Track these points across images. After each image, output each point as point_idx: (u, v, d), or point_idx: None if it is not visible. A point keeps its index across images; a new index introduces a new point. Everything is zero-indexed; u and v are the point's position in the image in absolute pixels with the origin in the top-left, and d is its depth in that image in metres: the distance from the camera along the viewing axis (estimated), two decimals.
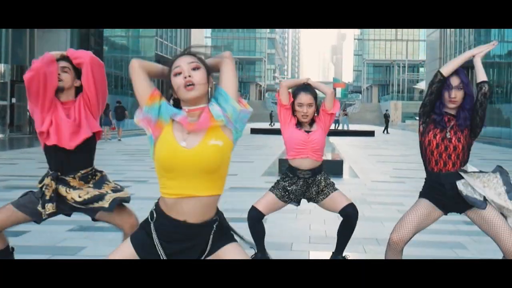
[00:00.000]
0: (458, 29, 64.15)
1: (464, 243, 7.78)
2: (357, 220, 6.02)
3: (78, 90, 5.05)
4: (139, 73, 3.43)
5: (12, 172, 15.57)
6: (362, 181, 14.55)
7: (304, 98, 5.99)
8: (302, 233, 8.18)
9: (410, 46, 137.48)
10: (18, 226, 6.81)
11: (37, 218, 4.96)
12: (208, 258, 3.57)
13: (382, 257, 5.54)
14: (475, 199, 4.85)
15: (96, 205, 4.84)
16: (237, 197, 10.88)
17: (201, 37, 78.80)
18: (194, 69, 3.41)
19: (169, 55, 60.21)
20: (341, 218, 6.10)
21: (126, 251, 3.57)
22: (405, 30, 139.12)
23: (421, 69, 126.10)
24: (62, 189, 4.83)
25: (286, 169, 6.20)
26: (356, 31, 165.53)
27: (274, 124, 61.62)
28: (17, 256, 5.51)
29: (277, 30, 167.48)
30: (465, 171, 4.96)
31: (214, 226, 3.51)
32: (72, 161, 4.90)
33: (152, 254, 3.53)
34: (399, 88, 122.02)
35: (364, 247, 7.44)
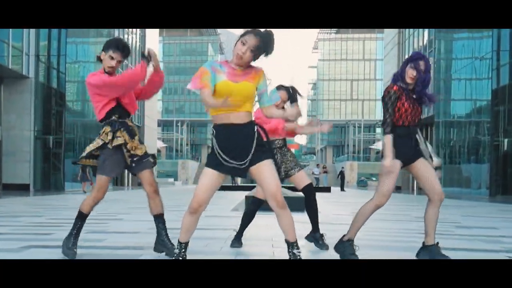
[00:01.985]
0: None
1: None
2: (315, 192, 8.08)
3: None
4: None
5: (6, 210, 16.81)
6: (324, 214, 16.00)
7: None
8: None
9: (366, 105, 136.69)
10: (42, 229, 8.54)
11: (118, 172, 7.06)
12: (252, 167, 5.42)
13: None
14: (425, 150, 6.72)
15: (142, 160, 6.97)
16: (214, 220, 12.43)
17: (153, 99, 79.97)
18: (251, 51, 5.32)
19: None
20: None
21: (208, 172, 5.46)
22: (360, 89, 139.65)
23: (378, 129, 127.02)
24: (126, 135, 6.86)
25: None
26: (310, 92, 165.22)
27: (236, 183, 62.08)
28: (49, 250, 7.44)
29: None
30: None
31: (255, 127, 5.45)
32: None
33: (222, 164, 5.41)
34: (355, 149, 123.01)
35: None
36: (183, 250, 5.61)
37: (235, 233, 8.38)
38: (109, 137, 6.78)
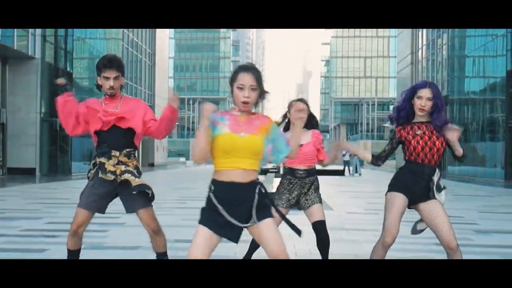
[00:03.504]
0: (430, 65, 63.35)
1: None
2: (326, 230, 7.43)
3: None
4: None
5: (4, 206, 16.69)
6: (337, 213, 15.62)
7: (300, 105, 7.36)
8: (289, 251, 9.47)
9: (380, 83, 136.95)
10: (35, 240, 9.46)
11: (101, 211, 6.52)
12: (251, 227, 4.87)
13: None
14: (441, 188, 6.19)
15: (129, 177, 6.32)
16: None
17: (164, 77, 79.80)
18: (252, 89, 4.83)
19: (133, 96, 61.35)
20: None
21: (202, 232, 4.84)
22: (374, 67, 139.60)
23: (392, 107, 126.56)
24: (109, 164, 6.31)
25: (285, 172, 7.63)
26: (323, 69, 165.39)
27: None
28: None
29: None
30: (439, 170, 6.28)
31: (257, 187, 4.87)
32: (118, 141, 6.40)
33: (218, 221, 4.82)
34: (368, 127, 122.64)
35: None
36: None
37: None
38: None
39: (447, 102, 52.75)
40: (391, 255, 7.47)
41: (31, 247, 9.68)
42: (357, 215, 15.29)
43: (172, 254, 8.79)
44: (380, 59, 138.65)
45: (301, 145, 7.45)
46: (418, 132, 6.27)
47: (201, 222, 4.90)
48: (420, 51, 69.39)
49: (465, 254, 8.83)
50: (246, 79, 4.84)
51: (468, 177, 42.01)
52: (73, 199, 19.27)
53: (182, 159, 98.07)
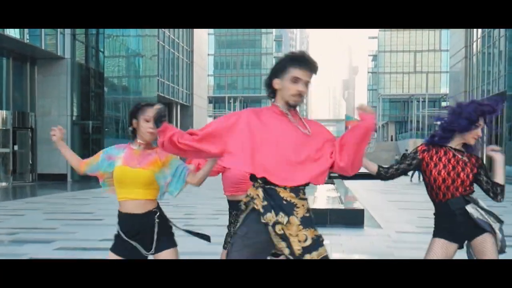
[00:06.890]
0: (486, 59, 62.68)
1: None
2: None
3: None
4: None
5: (19, 225, 16.34)
6: (386, 232, 14.80)
7: None
8: None
9: (431, 78, 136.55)
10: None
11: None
12: (151, 257, 5.38)
13: None
14: (484, 222, 5.47)
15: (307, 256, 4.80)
16: None
17: (203, 75, 79.47)
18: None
19: (170, 95, 61.50)
20: None
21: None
22: (424, 61, 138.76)
23: (443, 103, 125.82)
24: (271, 216, 4.78)
25: None
26: (370, 64, 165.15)
27: None
28: None
29: None
30: (472, 198, 5.55)
31: (156, 217, 5.40)
32: None
33: (125, 249, 5.39)
34: (419, 125, 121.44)
35: None
36: None
37: None
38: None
39: (504, 98, 51.71)
40: None
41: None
42: (407, 235, 14.26)
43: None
44: (431, 53, 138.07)
45: None
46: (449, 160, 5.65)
47: (111, 249, 5.56)
48: (475, 44, 68.27)
49: None
50: (150, 112, 5.27)
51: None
52: (97, 214, 19.49)
53: None
